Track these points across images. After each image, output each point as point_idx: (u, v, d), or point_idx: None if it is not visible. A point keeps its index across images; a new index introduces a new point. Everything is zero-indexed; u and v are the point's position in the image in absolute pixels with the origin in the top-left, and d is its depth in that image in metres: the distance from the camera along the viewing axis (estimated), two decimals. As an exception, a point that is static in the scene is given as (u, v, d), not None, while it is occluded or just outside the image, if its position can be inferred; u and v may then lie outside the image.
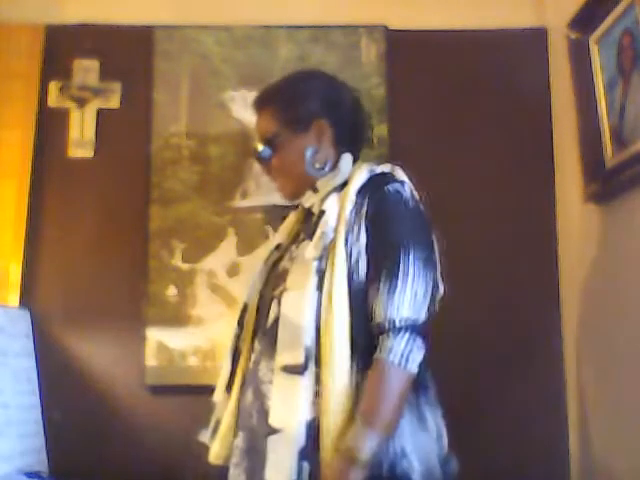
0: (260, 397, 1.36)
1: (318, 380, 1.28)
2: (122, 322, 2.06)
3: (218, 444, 1.48)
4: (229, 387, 1.50)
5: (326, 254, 1.34)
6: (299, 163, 1.49)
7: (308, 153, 1.49)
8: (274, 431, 1.29)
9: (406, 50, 2.18)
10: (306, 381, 1.28)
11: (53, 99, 2.16)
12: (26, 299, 2.05)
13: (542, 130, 2.15)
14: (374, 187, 1.40)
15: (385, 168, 1.45)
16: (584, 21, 1.93)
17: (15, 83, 2.15)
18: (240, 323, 1.52)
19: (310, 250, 1.36)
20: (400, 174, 1.45)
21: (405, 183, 1.42)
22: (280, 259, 1.50)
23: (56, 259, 2.10)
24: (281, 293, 1.36)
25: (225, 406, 1.49)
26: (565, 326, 2.06)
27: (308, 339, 1.29)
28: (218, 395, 1.52)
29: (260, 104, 1.57)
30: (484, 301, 2.02)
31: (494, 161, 2.14)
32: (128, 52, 2.18)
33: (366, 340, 1.30)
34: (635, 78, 1.72)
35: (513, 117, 2.16)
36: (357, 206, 1.38)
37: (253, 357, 1.43)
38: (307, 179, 1.50)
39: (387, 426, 1.25)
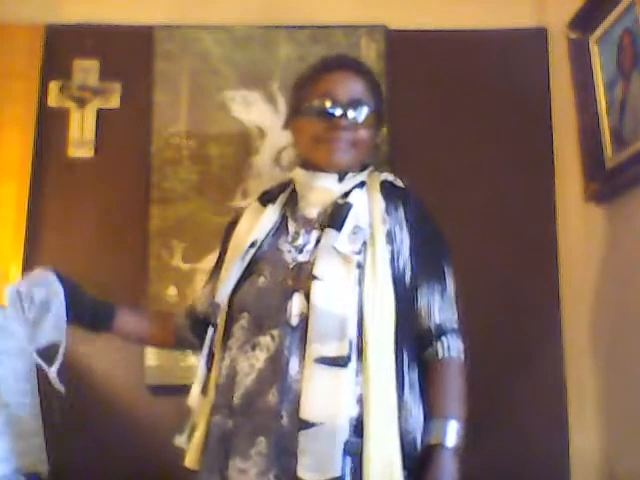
0: (292, 396, 1.27)
1: (359, 375, 1.27)
2: (122, 322, 2.06)
3: (194, 449, 1.40)
4: (204, 390, 1.41)
5: (364, 249, 1.34)
6: (367, 149, 1.48)
7: (370, 146, 1.49)
8: (308, 425, 1.23)
9: (406, 50, 2.18)
10: (349, 374, 1.26)
11: (53, 99, 2.16)
12: (26, 299, 2.05)
13: (542, 130, 2.15)
14: (400, 192, 1.45)
15: (389, 176, 1.50)
16: (584, 21, 1.93)
17: (15, 83, 2.15)
18: (214, 324, 1.42)
19: (344, 242, 1.34)
20: (400, 183, 1.50)
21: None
22: (263, 256, 1.41)
23: (56, 259, 2.09)
24: (308, 285, 1.31)
25: (202, 407, 1.41)
26: (565, 326, 2.06)
27: (353, 331, 1.28)
28: (193, 399, 1.42)
29: (358, 68, 1.50)
30: (484, 301, 2.02)
31: (494, 161, 2.14)
32: (128, 52, 2.18)
33: (408, 340, 1.34)
34: (635, 78, 1.72)
35: (513, 117, 2.16)
36: (390, 208, 1.41)
37: (266, 355, 1.32)
38: (357, 165, 1.47)
39: (464, 413, 1.34)
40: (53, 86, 2.16)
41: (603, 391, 1.87)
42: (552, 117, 2.16)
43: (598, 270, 1.89)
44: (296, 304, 1.31)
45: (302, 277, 1.33)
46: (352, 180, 1.44)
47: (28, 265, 2.07)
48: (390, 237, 1.37)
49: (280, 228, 1.45)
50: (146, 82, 2.16)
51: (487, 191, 2.12)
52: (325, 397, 1.24)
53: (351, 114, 1.41)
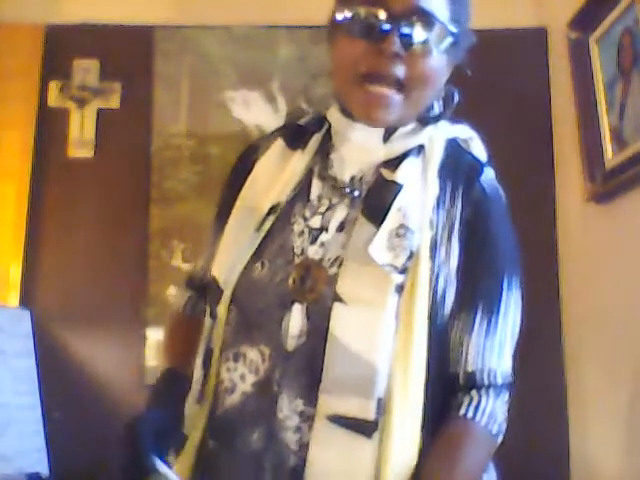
0: (279, 447, 0.92)
1: (381, 445, 0.90)
2: (122, 322, 2.06)
3: (182, 461, 1.01)
4: (201, 397, 1.02)
5: (407, 266, 0.92)
6: (435, 90, 1.03)
7: (443, 81, 1.03)
8: None
9: (406, 50, 2.18)
10: (372, 447, 0.89)
11: (53, 99, 2.16)
12: (26, 299, 2.05)
13: (542, 130, 2.15)
14: (468, 167, 1.05)
15: (462, 132, 1.08)
16: (584, 21, 1.93)
17: (15, 83, 2.15)
18: (213, 314, 1.01)
19: (381, 247, 0.92)
20: (478, 145, 1.09)
21: (491, 167, 1.08)
22: (281, 228, 1.00)
23: (56, 259, 2.10)
24: (314, 297, 0.94)
25: (196, 418, 1.02)
26: (565, 326, 2.06)
27: (381, 387, 0.89)
28: (188, 407, 1.04)
29: None
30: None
31: (494, 161, 2.14)
32: (128, 52, 2.19)
33: (438, 396, 0.95)
34: (635, 78, 1.72)
35: (513, 117, 2.16)
36: (444, 196, 0.98)
37: (254, 378, 0.96)
38: (415, 116, 1.01)
39: None
40: (53, 86, 2.16)
41: (603, 391, 1.87)
42: (552, 117, 2.16)
43: (598, 270, 1.89)
44: (295, 322, 0.93)
45: (308, 283, 0.94)
46: (405, 140, 0.99)
47: (28, 265, 2.07)
48: (433, 249, 0.95)
49: (302, 188, 1.01)
50: (146, 82, 2.16)
51: (487, 191, 2.12)
52: (338, 473, 0.89)
53: (418, 34, 0.94)
